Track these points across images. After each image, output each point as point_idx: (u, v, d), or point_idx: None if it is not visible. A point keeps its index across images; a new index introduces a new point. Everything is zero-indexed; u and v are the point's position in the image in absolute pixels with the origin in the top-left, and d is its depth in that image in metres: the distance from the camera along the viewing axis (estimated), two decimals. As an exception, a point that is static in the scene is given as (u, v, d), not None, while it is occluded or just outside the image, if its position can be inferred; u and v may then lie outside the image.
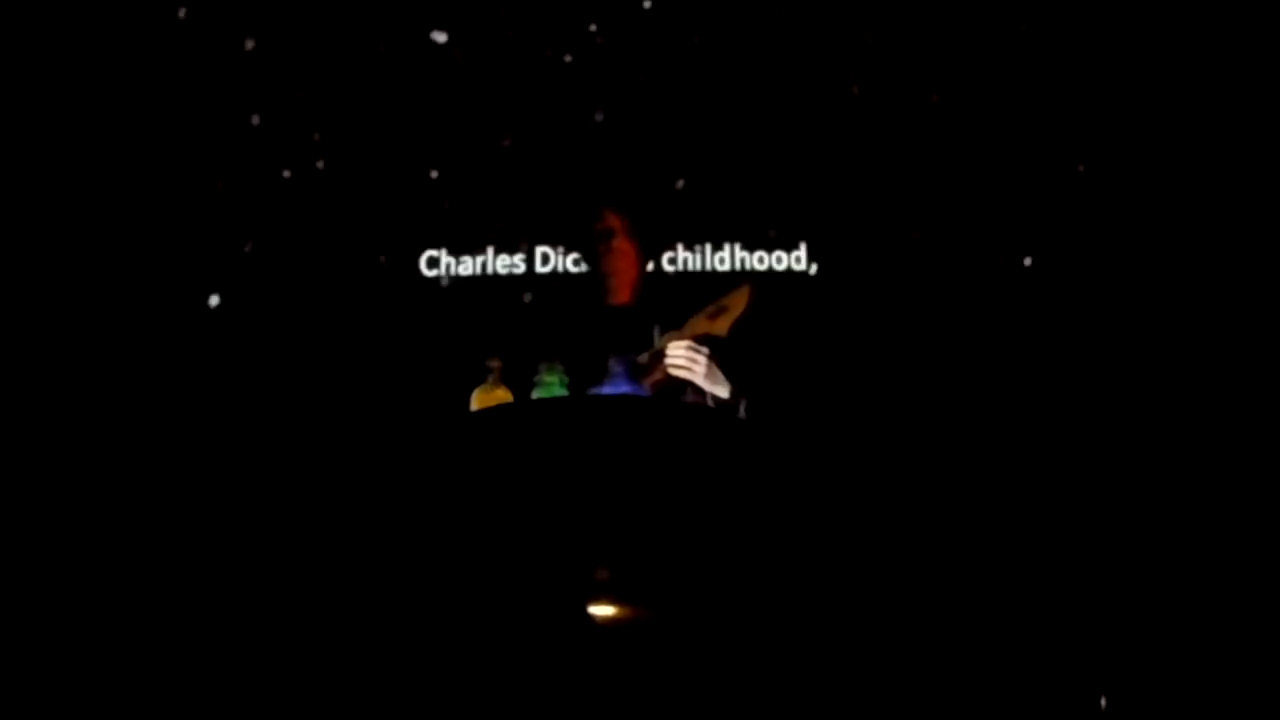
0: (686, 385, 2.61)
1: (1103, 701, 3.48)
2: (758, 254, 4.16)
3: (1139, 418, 3.88)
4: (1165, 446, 3.84)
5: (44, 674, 3.62)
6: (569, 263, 4.12)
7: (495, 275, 4.18)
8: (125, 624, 3.70)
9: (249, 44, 4.13)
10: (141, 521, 3.84)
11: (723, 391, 2.60)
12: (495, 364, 2.51)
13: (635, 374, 2.50)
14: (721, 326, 2.56)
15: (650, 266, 2.95)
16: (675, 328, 2.61)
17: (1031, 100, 4.09)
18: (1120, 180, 4.04)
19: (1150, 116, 4.04)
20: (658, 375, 2.56)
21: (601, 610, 2.04)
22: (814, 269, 4.14)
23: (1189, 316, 3.94)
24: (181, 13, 4.09)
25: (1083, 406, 3.92)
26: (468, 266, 4.18)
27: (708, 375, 2.56)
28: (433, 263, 4.19)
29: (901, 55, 4.13)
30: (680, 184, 4.11)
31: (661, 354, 2.56)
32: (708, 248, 4.18)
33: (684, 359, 2.53)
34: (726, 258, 4.16)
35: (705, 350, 2.54)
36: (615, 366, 2.41)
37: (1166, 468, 3.82)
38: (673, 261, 4.17)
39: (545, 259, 4.16)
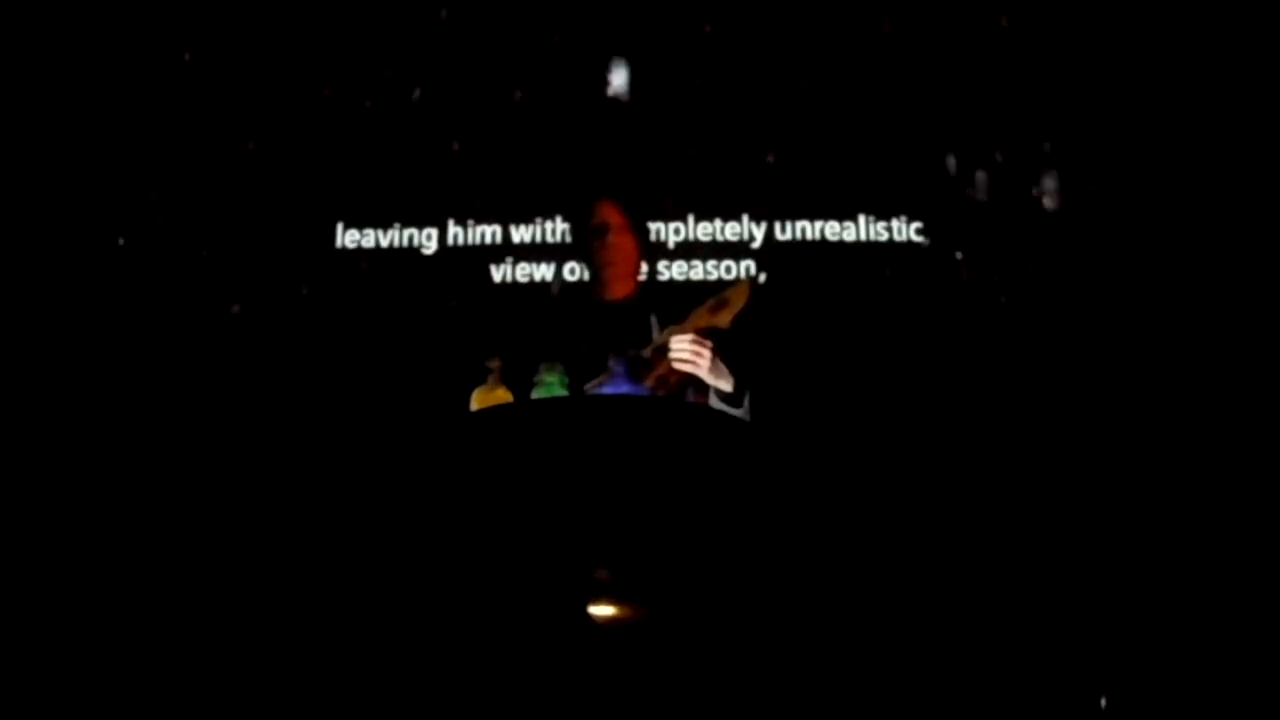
0: (688, 384, 2.61)
1: (1103, 701, 3.48)
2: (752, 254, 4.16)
3: (1138, 420, 3.88)
4: (1165, 448, 3.84)
5: (44, 674, 3.62)
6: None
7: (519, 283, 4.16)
8: (125, 624, 3.70)
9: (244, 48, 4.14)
10: (143, 522, 3.84)
11: (726, 385, 2.59)
12: (495, 364, 2.50)
13: (638, 369, 2.49)
14: (724, 320, 2.55)
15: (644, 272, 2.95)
16: (676, 322, 2.60)
17: (1037, 104, 4.10)
18: (1123, 184, 4.04)
19: (1153, 120, 4.05)
20: (662, 370, 2.55)
21: (601, 610, 2.04)
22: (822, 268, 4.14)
23: (1192, 320, 3.94)
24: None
25: (1083, 406, 3.92)
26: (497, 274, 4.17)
27: (712, 369, 2.55)
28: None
29: (912, 53, 4.14)
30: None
31: (665, 348, 2.55)
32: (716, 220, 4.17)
33: (689, 352, 2.52)
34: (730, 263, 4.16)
35: (709, 343, 2.53)
36: (615, 366, 2.41)
37: (1166, 469, 3.82)
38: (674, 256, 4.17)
39: (574, 270, 4.14)
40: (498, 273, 4.16)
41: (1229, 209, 3.98)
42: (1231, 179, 3.99)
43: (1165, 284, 3.98)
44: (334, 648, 2.08)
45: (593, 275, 2.89)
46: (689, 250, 4.12)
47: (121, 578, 3.78)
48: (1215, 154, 4.00)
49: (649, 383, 2.53)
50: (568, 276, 4.13)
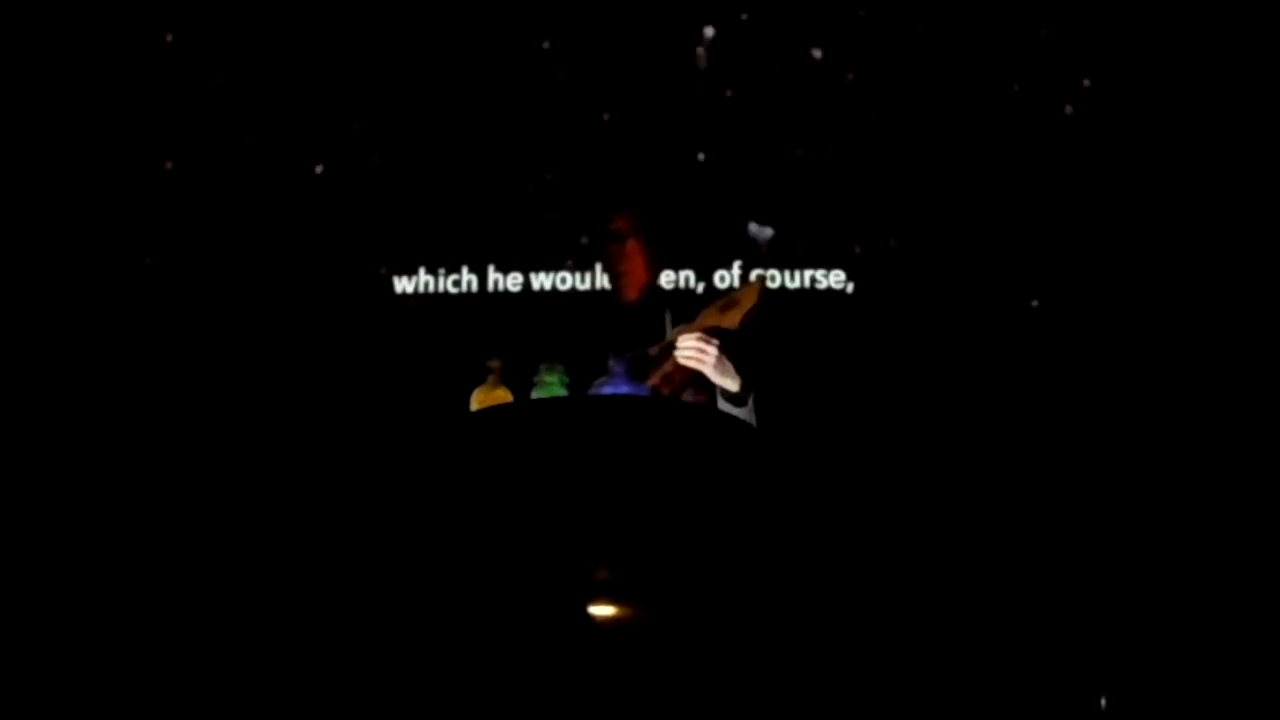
0: (688, 383, 2.62)
1: (1103, 701, 3.48)
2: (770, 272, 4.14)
3: (1138, 422, 3.88)
4: (1165, 449, 3.84)
5: (44, 674, 3.63)
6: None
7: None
8: (125, 624, 3.70)
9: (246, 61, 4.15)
10: (144, 522, 3.85)
11: (731, 384, 2.60)
12: (495, 364, 2.51)
13: (643, 366, 2.51)
14: (732, 320, 2.56)
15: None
16: (686, 320, 2.62)
17: (1054, 124, 4.10)
18: (1131, 200, 4.04)
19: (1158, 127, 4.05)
20: (668, 367, 2.57)
21: (601, 610, 2.04)
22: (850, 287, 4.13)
23: (1193, 323, 3.94)
24: (169, 36, 4.14)
25: (1082, 408, 3.92)
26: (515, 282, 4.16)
27: (717, 367, 2.56)
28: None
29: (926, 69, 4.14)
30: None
31: (672, 345, 2.57)
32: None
33: (694, 350, 2.54)
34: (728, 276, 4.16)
35: (715, 342, 2.55)
36: (615, 366, 2.41)
37: (1166, 470, 3.82)
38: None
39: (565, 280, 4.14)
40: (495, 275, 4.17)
41: (1228, 209, 3.98)
42: (1230, 178, 3.99)
43: (1162, 285, 3.99)
44: (335, 647, 2.09)
45: (611, 280, 2.94)
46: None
47: (123, 577, 3.78)
48: (1210, 154, 4.01)
49: (654, 380, 2.54)
50: (559, 285, 4.13)
